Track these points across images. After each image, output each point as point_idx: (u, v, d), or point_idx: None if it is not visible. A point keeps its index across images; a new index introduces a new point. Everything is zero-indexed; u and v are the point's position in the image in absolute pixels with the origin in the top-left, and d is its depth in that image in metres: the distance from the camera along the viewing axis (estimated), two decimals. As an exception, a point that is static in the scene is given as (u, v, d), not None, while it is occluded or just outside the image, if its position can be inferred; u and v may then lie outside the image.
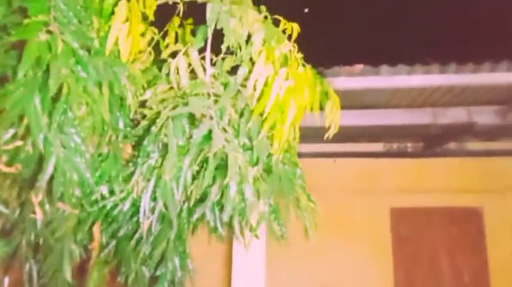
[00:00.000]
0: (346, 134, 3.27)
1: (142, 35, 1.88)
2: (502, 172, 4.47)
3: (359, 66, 2.33)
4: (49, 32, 1.35)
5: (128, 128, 1.78)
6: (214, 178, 1.40)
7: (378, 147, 4.58)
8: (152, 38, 1.91)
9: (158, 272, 1.75)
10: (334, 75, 2.27)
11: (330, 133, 1.55)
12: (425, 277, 4.59)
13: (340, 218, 4.53)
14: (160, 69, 1.90)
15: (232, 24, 1.26)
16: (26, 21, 1.26)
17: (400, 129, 3.15)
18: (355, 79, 2.41)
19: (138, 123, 1.80)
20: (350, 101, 2.32)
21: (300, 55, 1.40)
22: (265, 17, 1.39)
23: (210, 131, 1.25)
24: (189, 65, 1.55)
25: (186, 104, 1.29)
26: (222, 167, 1.35)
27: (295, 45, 1.39)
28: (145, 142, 1.42)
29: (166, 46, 1.88)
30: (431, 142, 4.18)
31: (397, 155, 4.58)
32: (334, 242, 4.41)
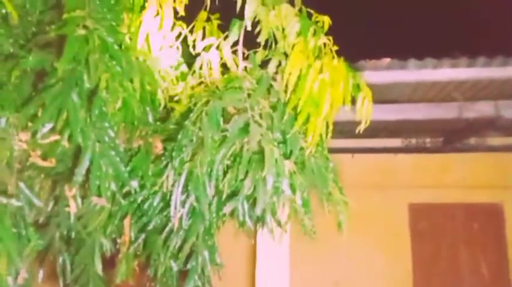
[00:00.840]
0: (366, 129, 3.26)
1: (171, 29, 1.89)
2: (522, 168, 4.41)
3: (386, 60, 2.32)
4: (85, 27, 1.37)
5: (158, 123, 1.80)
6: (246, 172, 1.40)
7: (396, 142, 4.55)
8: (180, 33, 1.92)
9: (188, 266, 1.76)
10: (358, 69, 2.25)
11: (362, 127, 1.54)
12: (444, 273, 4.56)
13: (358, 214, 4.49)
14: (188, 65, 1.91)
15: (270, 18, 1.27)
16: (65, 16, 1.28)
17: (422, 124, 3.12)
18: (380, 73, 2.39)
19: (167, 117, 1.82)
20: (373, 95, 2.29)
21: (334, 48, 1.39)
22: (300, 10, 1.39)
23: (247, 124, 1.26)
24: (221, 58, 1.56)
25: (220, 99, 1.30)
26: (254, 160, 1.36)
27: (329, 38, 1.38)
28: (179, 136, 1.43)
29: (194, 41, 1.89)
30: (452, 137, 4.13)
31: (415, 150, 4.54)
32: (352, 238, 4.39)
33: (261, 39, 1.34)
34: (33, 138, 1.35)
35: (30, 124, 1.28)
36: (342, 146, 4.41)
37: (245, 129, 1.27)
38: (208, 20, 1.94)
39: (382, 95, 2.69)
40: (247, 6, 1.25)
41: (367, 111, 1.53)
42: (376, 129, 3.58)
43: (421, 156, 4.57)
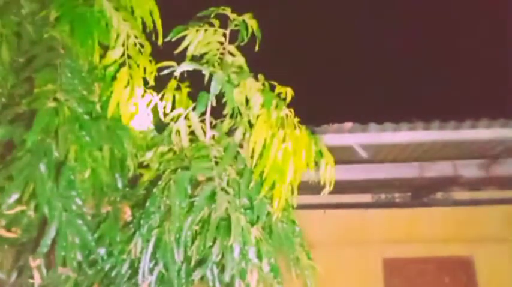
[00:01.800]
0: (334, 187, 3.36)
1: (141, 97, 1.96)
2: (489, 220, 4.54)
3: (348, 124, 2.44)
4: (56, 99, 1.42)
5: (127, 189, 1.81)
6: (214, 239, 1.42)
7: (366, 198, 4.64)
8: (151, 100, 1.99)
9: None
10: (322, 133, 2.37)
11: (326, 190, 1.61)
12: (420, 329, 4.50)
13: (331, 270, 4.47)
14: (158, 131, 1.97)
15: (234, 93, 1.35)
16: (36, 90, 1.32)
17: (387, 181, 3.23)
18: (344, 136, 2.51)
19: (136, 183, 1.84)
20: (337, 156, 2.39)
21: (296, 119, 1.48)
22: (263, 84, 1.48)
23: (214, 193, 1.30)
24: (189, 127, 1.62)
25: (187, 168, 1.34)
26: (222, 227, 1.38)
27: (291, 110, 1.47)
28: (147, 204, 1.45)
29: (164, 108, 1.96)
30: (419, 193, 4.26)
31: (385, 205, 4.64)
32: (327, 296, 4.33)
33: (227, 111, 1.41)
34: (-2, 210, 1.34)
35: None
36: (313, 202, 4.46)
37: (212, 197, 1.30)
38: (178, 88, 2.03)
39: (347, 156, 2.80)
40: (213, 83, 1.34)
41: (330, 175, 1.60)
42: (345, 188, 3.67)
43: (391, 211, 4.66)
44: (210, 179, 1.36)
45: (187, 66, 1.40)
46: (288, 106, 1.69)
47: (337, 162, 2.56)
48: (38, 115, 1.28)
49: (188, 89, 2.03)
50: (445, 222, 4.57)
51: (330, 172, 1.60)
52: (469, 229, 4.57)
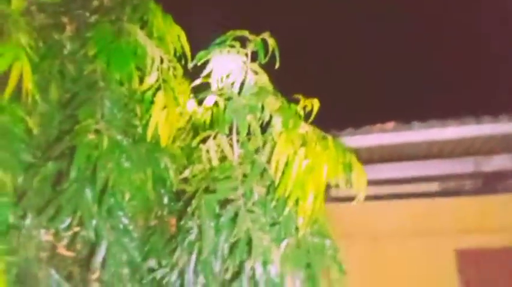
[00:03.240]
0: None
1: (181, 114, 2.07)
2: None
3: (390, 124, 2.37)
4: (97, 131, 1.57)
5: (172, 203, 1.95)
6: (247, 254, 1.49)
7: (433, 186, 4.44)
8: (190, 117, 2.10)
9: None
10: (366, 133, 2.32)
11: (358, 201, 1.60)
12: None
13: (398, 264, 4.36)
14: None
15: (248, 118, 1.40)
16: (77, 127, 1.48)
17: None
18: (388, 135, 2.43)
19: (180, 197, 1.96)
20: (387, 155, 2.34)
21: (319, 133, 1.49)
22: (283, 102, 1.51)
23: (237, 214, 1.36)
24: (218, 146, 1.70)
25: (214, 190, 1.42)
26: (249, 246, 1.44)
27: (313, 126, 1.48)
28: (182, 222, 1.56)
29: (204, 122, 2.07)
30: (491, 179, 3.99)
31: (454, 193, 4.39)
32: (395, 290, 4.24)
33: (240, 137, 1.47)
34: (56, 233, 1.53)
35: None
36: (377, 193, 4.37)
37: (236, 218, 1.37)
38: (215, 103, 2.12)
39: (398, 154, 2.71)
40: (227, 111, 1.40)
41: (360, 186, 1.60)
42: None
43: (461, 199, 4.41)
44: (235, 199, 1.42)
45: (208, 97, 1.47)
46: (320, 112, 1.70)
47: (387, 160, 2.50)
48: (78, 150, 1.43)
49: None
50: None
51: (361, 183, 1.59)
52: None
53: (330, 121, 1.74)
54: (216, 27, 1.66)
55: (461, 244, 4.42)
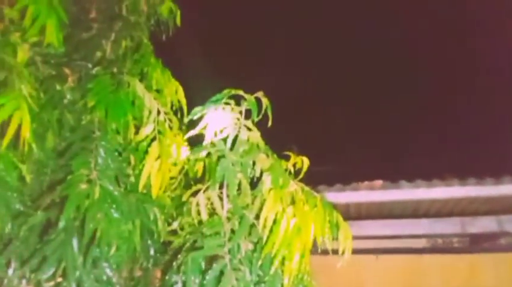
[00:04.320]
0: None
1: (175, 165, 2.10)
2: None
3: (378, 182, 2.42)
4: (89, 180, 1.59)
5: (158, 254, 1.93)
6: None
7: (421, 242, 4.44)
8: (183, 167, 2.13)
9: None
10: (354, 190, 2.37)
11: (344, 261, 1.61)
12: None
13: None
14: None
15: (238, 176, 1.44)
16: (69, 177, 1.50)
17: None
18: (377, 193, 2.48)
19: (167, 248, 1.95)
20: (375, 211, 2.37)
21: (307, 191, 1.53)
22: (274, 158, 1.56)
23: (222, 272, 1.37)
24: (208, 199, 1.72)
25: (201, 246, 1.43)
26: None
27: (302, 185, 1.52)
28: (167, 277, 1.55)
29: (196, 173, 2.10)
30: (478, 238, 4.01)
31: (442, 251, 4.39)
32: None
33: (229, 197, 1.50)
34: (38, 283, 1.51)
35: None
36: (365, 247, 4.35)
37: (221, 276, 1.37)
38: (208, 155, 2.16)
39: (387, 211, 2.75)
40: (218, 169, 1.44)
41: (346, 245, 1.61)
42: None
43: (449, 256, 4.40)
44: (221, 256, 1.43)
45: (201, 151, 1.52)
46: (311, 167, 1.75)
47: (374, 217, 2.54)
48: (69, 199, 1.44)
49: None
50: (510, 269, 4.21)
51: (346, 242, 1.61)
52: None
53: (319, 177, 1.77)
54: (212, 84, 1.73)
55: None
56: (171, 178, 2.10)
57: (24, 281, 1.53)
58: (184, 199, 1.65)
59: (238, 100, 1.72)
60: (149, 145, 1.90)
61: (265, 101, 1.64)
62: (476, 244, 4.23)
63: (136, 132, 1.89)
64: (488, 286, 4.23)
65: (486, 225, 2.52)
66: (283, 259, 1.43)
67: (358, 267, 4.38)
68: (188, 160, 2.13)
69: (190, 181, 2.10)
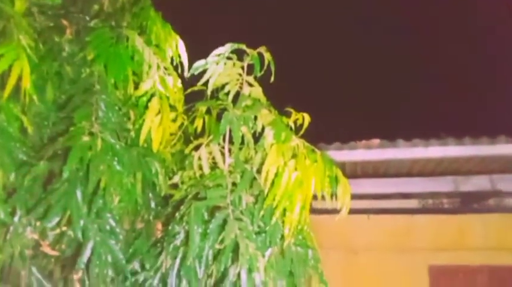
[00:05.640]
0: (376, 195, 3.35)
1: (174, 121, 2.10)
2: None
3: (376, 141, 2.45)
4: (91, 133, 1.59)
5: (159, 207, 1.97)
6: (232, 260, 1.53)
7: (412, 203, 4.54)
8: (182, 123, 2.13)
9: None
10: (352, 148, 2.39)
11: (342, 215, 1.66)
12: None
13: (375, 277, 4.45)
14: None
15: (242, 129, 1.45)
16: (71, 129, 1.50)
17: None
18: (373, 151, 2.51)
19: (168, 202, 1.99)
20: (371, 170, 2.41)
21: (310, 145, 1.55)
22: (276, 114, 1.57)
23: (225, 221, 1.40)
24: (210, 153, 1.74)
25: (204, 197, 1.46)
26: (235, 252, 1.48)
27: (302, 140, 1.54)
28: (170, 227, 1.59)
29: (195, 130, 2.11)
30: (469, 199, 4.11)
31: (433, 211, 4.51)
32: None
33: (234, 148, 1.51)
34: (42, 231, 1.54)
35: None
36: (357, 207, 4.45)
37: (224, 225, 1.41)
38: (208, 112, 2.16)
39: (382, 171, 2.79)
40: (222, 121, 1.45)
41: (345, 200, 1.65)
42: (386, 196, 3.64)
43: (439, 217, 4.52)
44: (224, 207, 1.46)
45: (204, 103, 1.51)
46: (311, 126, 1.76)
47: (370, 176, 2.59)
48: (72, 150, 1.45)
49: (217, 111, 2.16)
50: (498, 229, 4.36)
51: (345, 197, 1.65)
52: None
53: (318, 135, 1.79)
54: (215, 38, 1.71)
55: (436, 260, 4.53)
56: (171, 134, 2.11)
57: (29, 229, 1.56)
58: (186, 152, 1.66)
59: (240, 55, 1.71)
60: (149, 100, 1.90)
61: (267, 56, 1.63)
62: (466, 204, 4.34)
63: (136, 88, 1.88)
64: (477, 245, 4.38)
65: (479, 183, 2.58)
66: (284, 210, 1.47)
67: (350, 226, 4.50)
68: (187, 115, 2.13)
69: (189, 137, 2.11)
